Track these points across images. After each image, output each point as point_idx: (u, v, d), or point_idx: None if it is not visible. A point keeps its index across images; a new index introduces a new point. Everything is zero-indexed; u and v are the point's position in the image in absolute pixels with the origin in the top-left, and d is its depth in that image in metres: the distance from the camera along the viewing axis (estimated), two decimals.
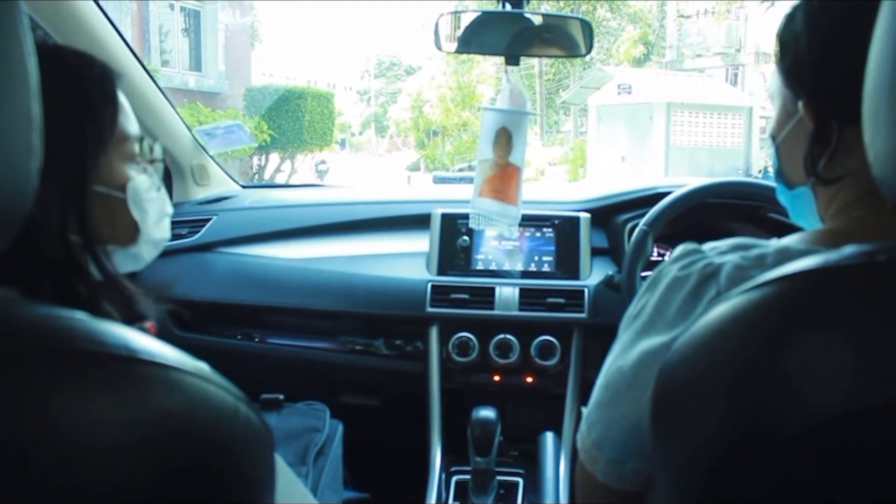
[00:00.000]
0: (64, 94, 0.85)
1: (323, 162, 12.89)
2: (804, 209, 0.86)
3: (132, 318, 0.88)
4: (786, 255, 0.74)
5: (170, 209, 1.05)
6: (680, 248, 0.84)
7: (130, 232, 0.96)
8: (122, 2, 10.57)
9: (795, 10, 0.81)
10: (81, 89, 0.88)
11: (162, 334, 0.57)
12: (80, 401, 0.47)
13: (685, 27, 19.03)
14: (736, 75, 18.13)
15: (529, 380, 1.80)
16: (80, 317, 0.51)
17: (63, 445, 0.45)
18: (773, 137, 0.88)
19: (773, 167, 0.91)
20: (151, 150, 1.00)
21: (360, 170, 18.54)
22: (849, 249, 0.52)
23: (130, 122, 0.95)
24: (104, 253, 0.87)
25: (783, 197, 0.91)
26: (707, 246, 0.82)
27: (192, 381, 0.52)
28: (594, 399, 0.86)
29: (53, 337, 0.48)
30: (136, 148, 0.95)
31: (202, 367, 0.54)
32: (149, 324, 1.48)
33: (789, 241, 0.79)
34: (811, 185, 0.83)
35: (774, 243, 0.78)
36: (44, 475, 0.45)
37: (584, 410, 0.89)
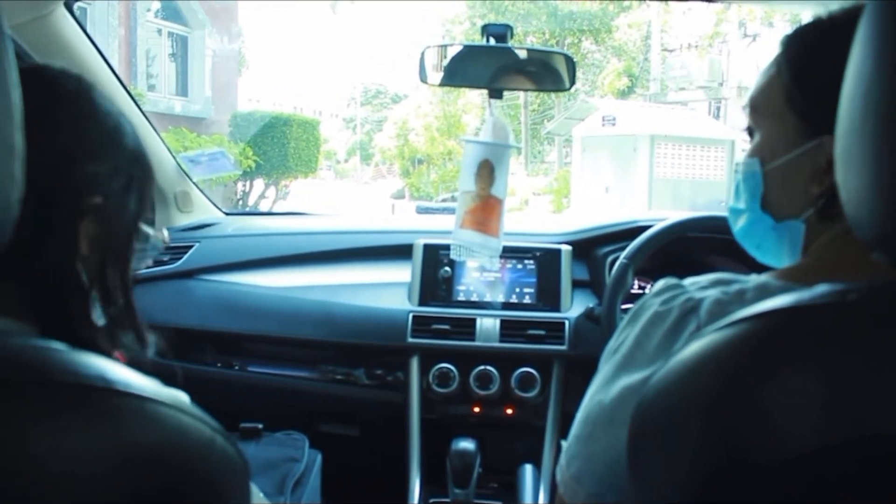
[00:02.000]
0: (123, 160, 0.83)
1: (286, 185, 13.01)
2: (783, 241, 0.84)
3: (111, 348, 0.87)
4: (765, 291, 0.75)
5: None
6: (661, 283, 0.84)
7: None
8: (109, 23, 10.59)
9: (821, 25, 0.79)
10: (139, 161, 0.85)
11: (140, 362, 0.58)
12: (57, 431, 0.47)
13: (669, 60, 19.28)
14: (718, 109, 18.36)
15: (509, 411, 1.79)
16: (59, 347, 0.52)
17: (39, 476, 0.46)
18: (763, 163, 0.84)
19: (752, 194, 0.86)
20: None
21: (346, 197, 18.56)
22: (821, 288, 0.53)
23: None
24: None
25: (755, 227, 0.86)
26: (688, 281, 0.82)
27: (168, 412, 0.53)
28: (574, 432, 0.86)
29: (31, 368, 0.48)
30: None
31: (179, 398, 0.54)
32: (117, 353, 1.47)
33: (768, 276, 0.79)
34: (805, 217, 0.81)
35: (754, 279, 0.78)
36: None
37: (564, 444, 0.89)
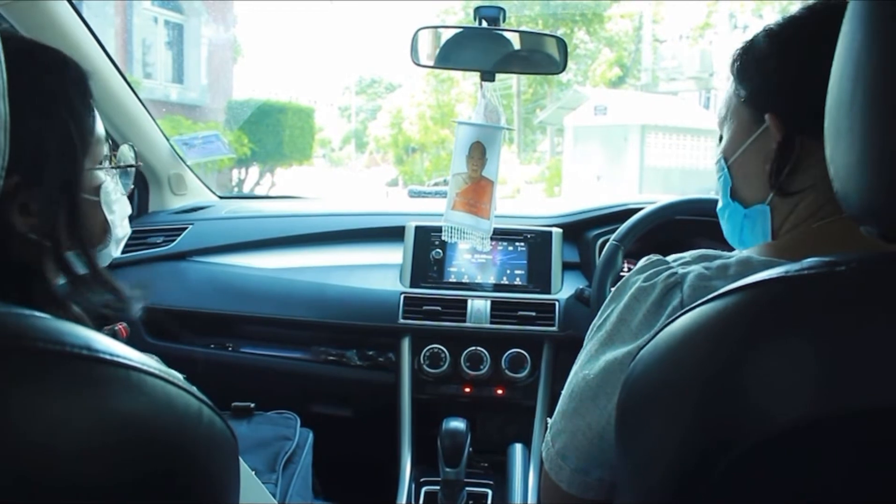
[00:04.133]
0: (47, 96, 0.84)
1: (279, 173, 13.03)
2: (756, 228, 0.88)
3: (108, 318, 0.88)
4: (748, 266, 0.76)
5: (129, 209, 1.06)
6: (644, 259, 0.85)
7: (101, 232, 0.97)
8: (105, 11, 10.51)
9: (756, 38, 0.87)
10: (65, 90, 0.86)
11: (134, 342, 0.54)
12: (39, 401, 0.45)
13: (660, 51, 19.23)
14: (708, 99, 18.32)
15: (500, 392, 1.81)
16: (41, 315, 0.50)
17: (20, 447, 0.44)
18: (726, 159, 0.91)
19: (724, 189, 0.93)
20: (114, 153, 1.00)
21: (340, 185, 18.49)
22: (809, 261, 0.53)
23: (100, 124, 0.95)
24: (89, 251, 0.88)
25: (733, 219, 0.92)
26: (671, 257, 0.83)
27: (155, 382, 0.51)
28: (559, 408, 0.87)
29: (11, 335, 0.47)
30: (105, 150, 0.96)
31: (166, 368, 0.53)
32: (120, 325, 1.48)
33: (751, 252, 0.81)
34: (769, 200, 0.85)
35: (737, 254, 0.80)
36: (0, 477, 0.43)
37: (550, 421, 0.90)
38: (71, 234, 0.86)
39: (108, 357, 0.49)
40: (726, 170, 0.92)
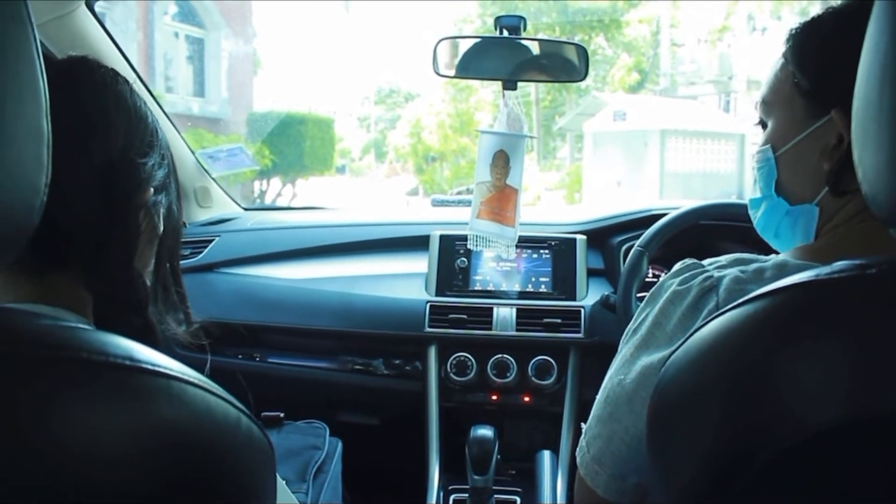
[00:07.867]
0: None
1: (301, 183, 13.15)
2: (797, 227, 0.85)
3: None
4: (784, 270, 0.76)
5: None
6: (680, 263, 0.85)
7: None
8: (127, 27, 10.65)
9: (822, 18, 0.82)
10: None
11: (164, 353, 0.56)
12: (81, 409, 0.46)
13: (678, 55, 19.17)
14: (728, 102, 18.20)
15: (527, 399, 1.81)
16: (85, 327, 0.52)
17: (62, 454, 0.45)
18: (774, 149, 0.86)
19: (767, 180, 0.88)
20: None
21: (361, 195, 18.57)
22: (839, 264, 0.53)
23: None
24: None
25: (772, 213, 0.88)
26: (707, 260, 0.83)
27: (195, 392, 0.52)
28: (594, 413, 0.86)
29: (55, 345, 0.48)
30: None
31: (206, 379, 0.54)
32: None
33: (788, 255, 0.80)
34: (819, 200, 0.82)
35: (773, 258, 0.79)
36: (41, 483, 0.45)
37: (584, 426, 0.89)
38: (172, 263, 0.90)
39: (149, 367, 0.50)
40: (773, 160, 0.87)
